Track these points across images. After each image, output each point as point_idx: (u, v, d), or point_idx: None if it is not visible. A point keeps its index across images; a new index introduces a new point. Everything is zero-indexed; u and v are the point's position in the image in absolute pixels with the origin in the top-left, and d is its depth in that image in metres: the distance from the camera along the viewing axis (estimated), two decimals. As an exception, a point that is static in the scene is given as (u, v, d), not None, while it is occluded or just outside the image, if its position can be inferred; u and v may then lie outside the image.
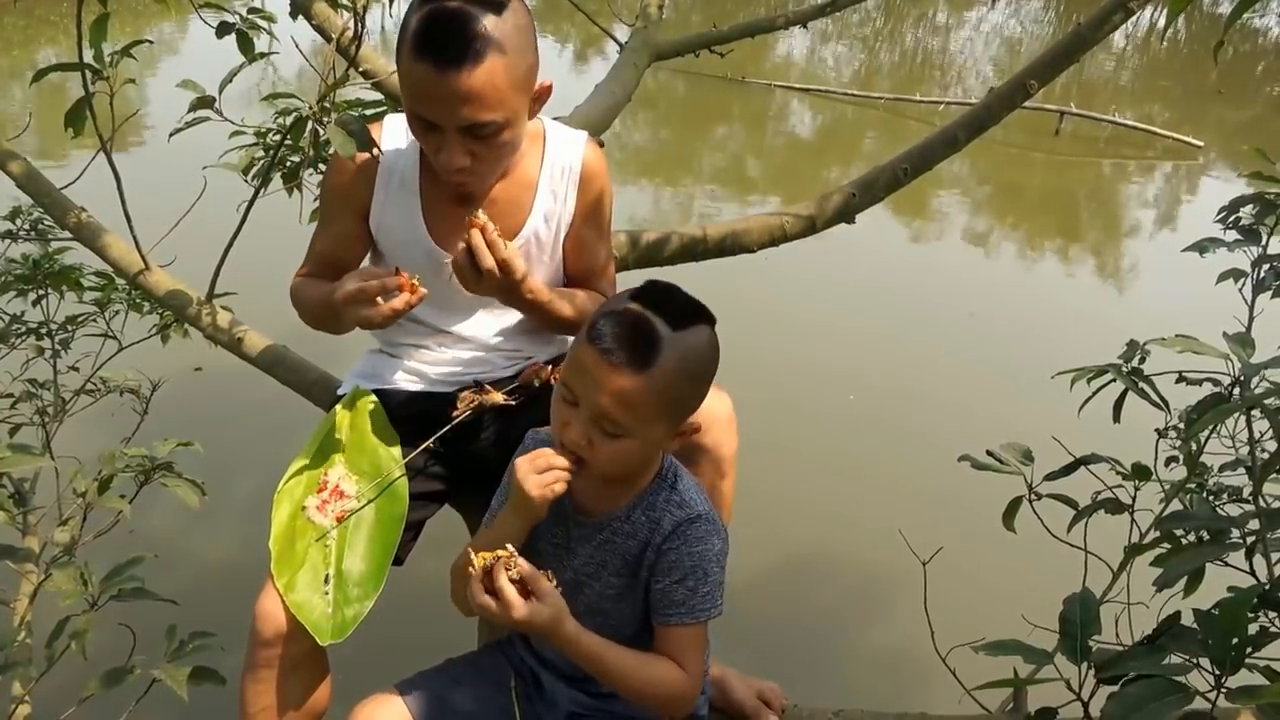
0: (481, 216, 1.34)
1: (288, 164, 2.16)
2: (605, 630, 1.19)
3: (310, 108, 1.51)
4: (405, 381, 1.57)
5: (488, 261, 1.33)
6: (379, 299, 1.32)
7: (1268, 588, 0.95)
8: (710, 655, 1.34)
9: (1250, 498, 1.20)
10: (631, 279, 1.46)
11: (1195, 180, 7.31)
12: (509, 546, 1.11)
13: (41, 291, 2.22)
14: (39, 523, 1.94)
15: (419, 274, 1.48)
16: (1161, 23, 13.04)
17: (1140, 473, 1.43)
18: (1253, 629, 0.96)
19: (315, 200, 2.29)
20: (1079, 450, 1.41)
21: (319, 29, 2.10)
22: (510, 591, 1.08)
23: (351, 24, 1.62)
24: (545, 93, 1.39)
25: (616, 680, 1.18)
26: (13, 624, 1.55)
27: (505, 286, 1.37)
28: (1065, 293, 5.15)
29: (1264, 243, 1.52)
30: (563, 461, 1.16)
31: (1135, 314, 4.85)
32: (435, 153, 1.35)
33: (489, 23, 1.25)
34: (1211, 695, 0.85)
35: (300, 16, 2.09)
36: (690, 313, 1.15)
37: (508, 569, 1.10)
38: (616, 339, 1.09)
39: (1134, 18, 1.90)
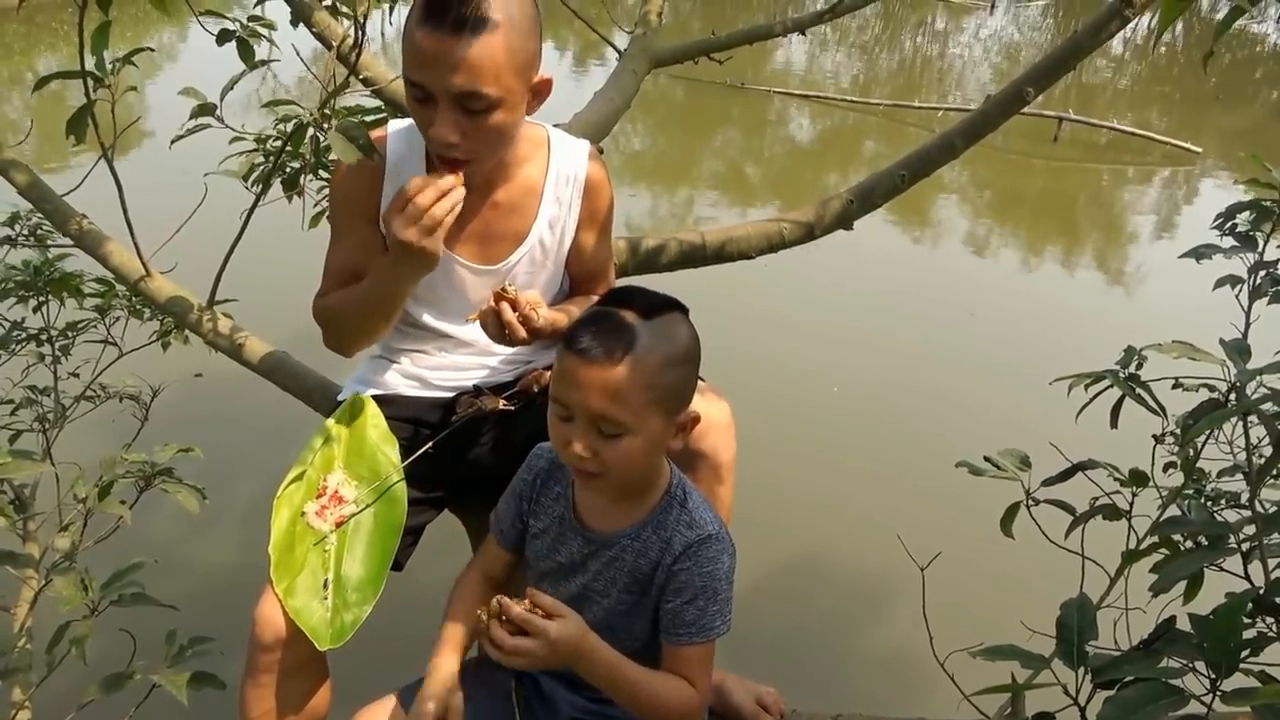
0: (511, 289, 1.36)
1: (288, 170, 2.17)
2: (613, 644, 1.19)
3: (311, 114, 1.52)
4: (405, 387, 1.58)
5: (520, 334, 1.36)
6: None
7: (1262, 592, 0.95)
8: (709, 662, 1.34)
9: (1248, 504, 1.20)
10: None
11: (1194, 186, 7.32)
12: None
13: (42, 298, 2.23)
14: (39, 528, 1.94)
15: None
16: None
17: (1137, 479, 1.44)
18: (1250, 635, 0.97)
19: (316, 206, 2.30)
20: (1079, 454, 1.42)
21: (319, 36, 2.11)
22: (534, 620, 1.09)
23: (352, 31, 1.63)
24: (545, 88, 1.39)
25: (630, 694, 1.18)
26: (13, 630, 1.55)
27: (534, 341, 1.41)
28: (1065, 298, 5.15)
29: (1260, 249, 1.53)
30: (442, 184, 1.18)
31: (1134, 319, 4.86)
32: (426, 127, 1.34)
33: (496, 0, 1.27)
34: (1207, 699, 0.86)
35: (301, 24, 2.10)
36: (659, 304, 1.16)
37: (518, 605, 1.11)
38: (591, 337, 1.11)
39: (1132, 24, 1.91)
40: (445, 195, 1.31)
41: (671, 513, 1.23)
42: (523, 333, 1.36)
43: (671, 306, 1.17)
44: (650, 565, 1.23)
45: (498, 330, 1.38)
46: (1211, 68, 11.19)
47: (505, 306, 1.36)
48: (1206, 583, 1.24)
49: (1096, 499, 1.44)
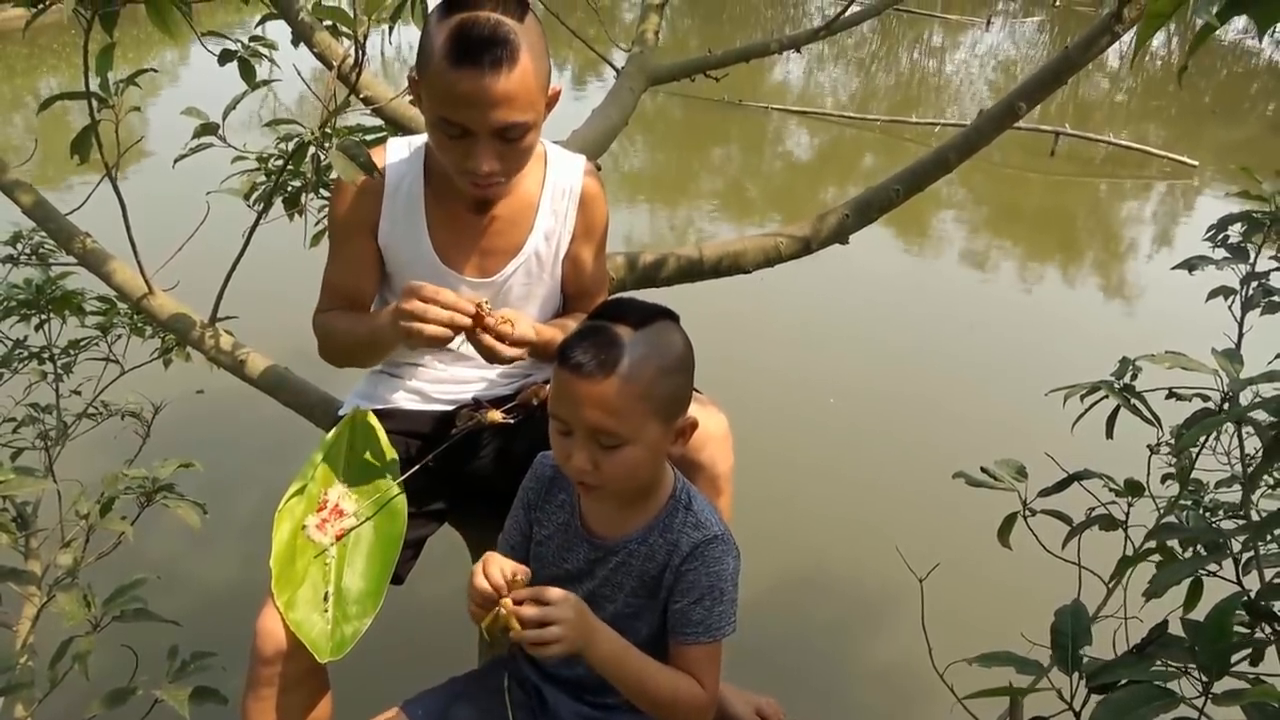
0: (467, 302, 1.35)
1: (289, 189, 2.19)
2: None
3: (312, 133, 1.54)
4: (405, 401, 1.59)
5: (502, 349, 1.36)
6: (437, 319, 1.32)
7: (1252, 595, 0.96)
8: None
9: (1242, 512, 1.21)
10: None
11: (1190, 199, 7.34)
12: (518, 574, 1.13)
13: (44, 316, 2.24)
14: (41, 545, 1.95)
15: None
16: (1155, 43, 13.13)
17: (1133, 489, 1.45)
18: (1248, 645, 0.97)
19: (317, 224, 2.32)
20: (1076, 464, 1.43)
21: (320, 56, 2.13)
22: (547, 590, 1.11)
23: (352, 51, 1.65)
24: (556, 98, 1.43)
25: (639, 683, 1.19)
26: (16, 646, 1.56)
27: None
28: (1062, 310, 5.17)
29: (1252, 260, 1.55)
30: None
31: (1131, 330, 4.88)
32: (463, 160, 1.36)
33: (517, 28, 1.30)
34: (1199, 702, 0.87)
35: (301, 44, 2.12)
36: (648, 313, 1.18)
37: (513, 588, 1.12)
38: (583, 352, 1.13)
39: (1127, 39, 1.93)
40: (457, 310, 1.32)
41: (677, 515, 1.25)
42: (503, 348, 1.35)
43: (663, 315, 1.19)
44: (658, 568, 1.24)
45: (484, 356, 1.38)
46: (1208, 83, 11.25)
47: (480, 334, 1.34)
48: (1206, 591, 1.25)
49: (1093, 509, 1.45)
